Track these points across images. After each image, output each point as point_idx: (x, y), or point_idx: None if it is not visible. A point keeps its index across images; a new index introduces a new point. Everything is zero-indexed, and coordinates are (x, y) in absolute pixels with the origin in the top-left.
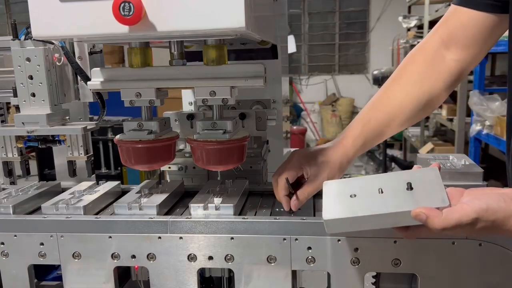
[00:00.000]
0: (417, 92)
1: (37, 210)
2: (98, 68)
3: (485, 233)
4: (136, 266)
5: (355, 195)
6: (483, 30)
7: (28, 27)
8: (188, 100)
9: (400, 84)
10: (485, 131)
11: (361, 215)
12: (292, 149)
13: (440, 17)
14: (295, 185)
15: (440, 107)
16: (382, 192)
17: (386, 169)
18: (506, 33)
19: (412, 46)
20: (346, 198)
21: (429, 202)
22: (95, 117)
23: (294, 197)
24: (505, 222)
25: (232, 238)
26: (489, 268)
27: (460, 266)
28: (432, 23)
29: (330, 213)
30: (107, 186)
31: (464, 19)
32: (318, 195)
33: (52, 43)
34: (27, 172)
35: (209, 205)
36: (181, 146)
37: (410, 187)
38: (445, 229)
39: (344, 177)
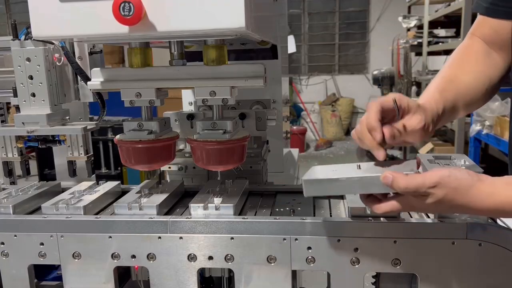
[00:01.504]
0: (481, 74)
1: (37, 210)
2: (98, 68)
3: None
4: (136, 266)
5: (336, 171)
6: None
7: (28, 27)
8: (188, 100)
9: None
10: (485, 131)
11: (335, 178)
12: (292, 149)
13: (440, 17)
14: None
15: None
16: (360, 168)
17: None
18: None
19: (412, 46)
20: (328, 172)
21: (398, 170)
22: (95, 117)
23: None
24: (467, 191)
25: (232, 238)
26: (489, 268)
27: (460, 266)
28: (431, 23)
29: (309, 176)
30: (107, 186)
31: (494, 24)
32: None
33: (52, 43)
34: (27, 172)
35: (209, 205)
36: (181, 146)
37: (386, 165)
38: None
39: None
